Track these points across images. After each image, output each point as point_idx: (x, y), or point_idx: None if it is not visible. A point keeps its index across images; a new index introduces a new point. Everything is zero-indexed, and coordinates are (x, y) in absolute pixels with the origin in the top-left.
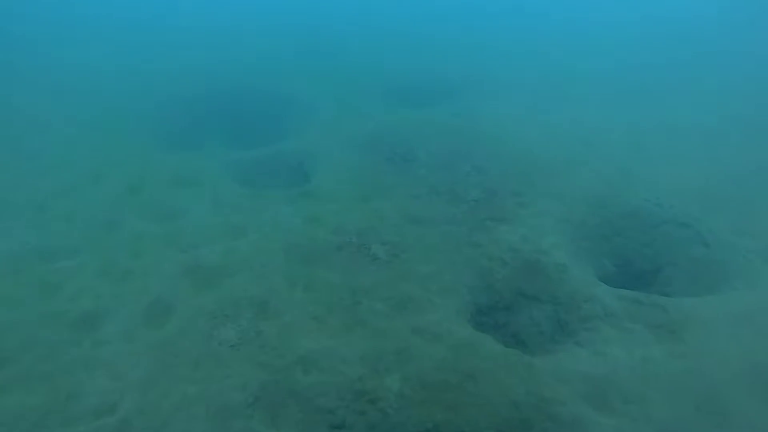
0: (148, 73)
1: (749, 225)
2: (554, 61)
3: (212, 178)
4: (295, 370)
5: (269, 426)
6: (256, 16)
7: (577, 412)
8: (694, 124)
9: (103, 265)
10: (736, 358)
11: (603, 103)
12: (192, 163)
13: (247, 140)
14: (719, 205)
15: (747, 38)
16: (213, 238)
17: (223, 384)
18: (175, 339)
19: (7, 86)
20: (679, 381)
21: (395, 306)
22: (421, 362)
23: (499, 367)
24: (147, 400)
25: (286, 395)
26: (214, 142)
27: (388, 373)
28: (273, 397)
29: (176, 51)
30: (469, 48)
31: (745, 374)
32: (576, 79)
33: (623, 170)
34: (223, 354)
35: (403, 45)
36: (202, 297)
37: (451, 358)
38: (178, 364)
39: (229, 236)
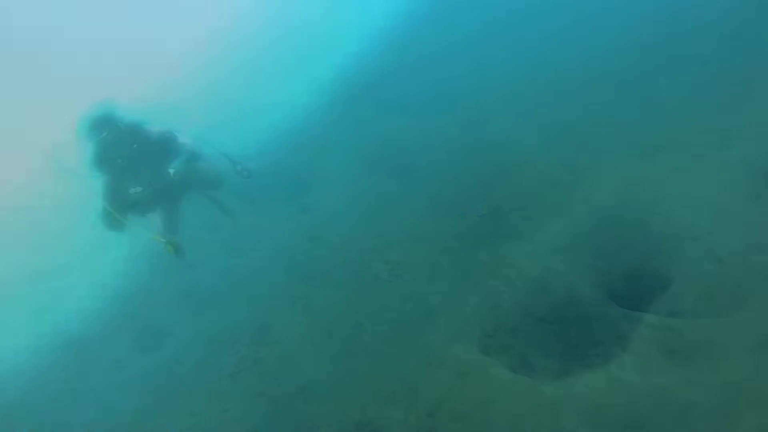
0: None
1: (764, 239)
2: (553, 60)
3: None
4: (296, 401)
5: None
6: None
7: None
8: (701, 127)
9: (93, 286)
10: (756, 386)
11: (605, 104)
12: None
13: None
14: (732, 216)
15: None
16: (210, 257)
17: (221, 416)
18: (169, 367)
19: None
20: (698, 411)
21: (398, 329)
22: (426, 389)
23: (508, 395)
24: None
25: (286, 427)
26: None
27: (392, 402)
28: (273, 430)
29: None
30: (467, 51)
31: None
32: (576, 79)
33: (630, 179)
34: (220, 383)
35: (400, 50)
36: (199, 321)
37: (457, 385)
38: (172, 394)
39: (227, 255)
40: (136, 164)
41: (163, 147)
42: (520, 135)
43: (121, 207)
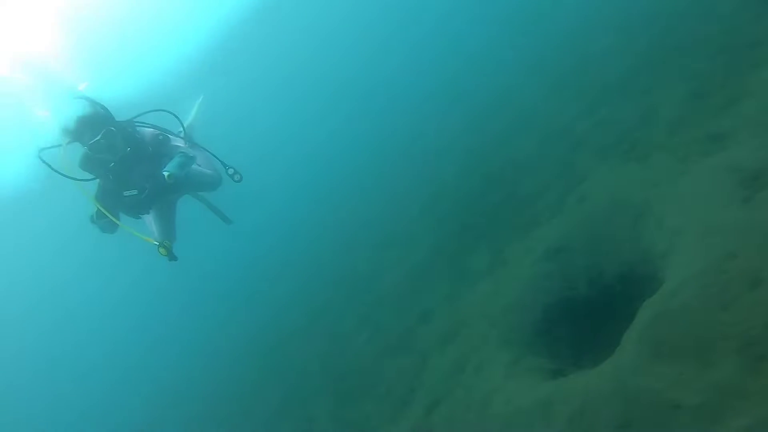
0: None
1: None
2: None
3: None
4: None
5: None
6: None
7: None
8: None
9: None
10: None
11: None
12: None
13: None
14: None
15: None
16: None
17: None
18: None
19: None
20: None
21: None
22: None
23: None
24: None
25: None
26: None
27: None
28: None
29: None
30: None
31: None
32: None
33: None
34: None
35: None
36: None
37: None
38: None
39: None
40: (129, 167)
41: (156, 149)
42: (517, 135)
43: (114, 209)
